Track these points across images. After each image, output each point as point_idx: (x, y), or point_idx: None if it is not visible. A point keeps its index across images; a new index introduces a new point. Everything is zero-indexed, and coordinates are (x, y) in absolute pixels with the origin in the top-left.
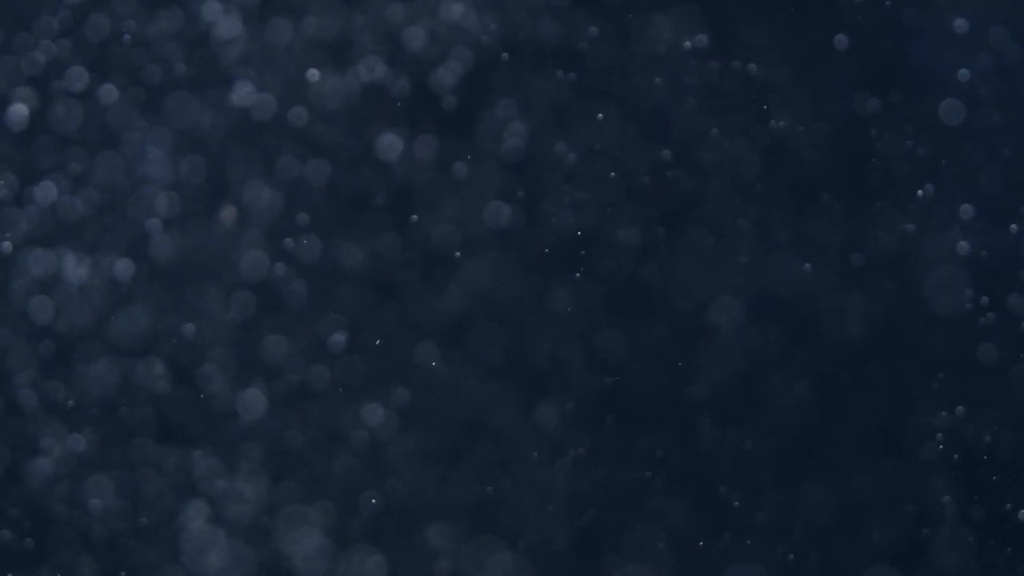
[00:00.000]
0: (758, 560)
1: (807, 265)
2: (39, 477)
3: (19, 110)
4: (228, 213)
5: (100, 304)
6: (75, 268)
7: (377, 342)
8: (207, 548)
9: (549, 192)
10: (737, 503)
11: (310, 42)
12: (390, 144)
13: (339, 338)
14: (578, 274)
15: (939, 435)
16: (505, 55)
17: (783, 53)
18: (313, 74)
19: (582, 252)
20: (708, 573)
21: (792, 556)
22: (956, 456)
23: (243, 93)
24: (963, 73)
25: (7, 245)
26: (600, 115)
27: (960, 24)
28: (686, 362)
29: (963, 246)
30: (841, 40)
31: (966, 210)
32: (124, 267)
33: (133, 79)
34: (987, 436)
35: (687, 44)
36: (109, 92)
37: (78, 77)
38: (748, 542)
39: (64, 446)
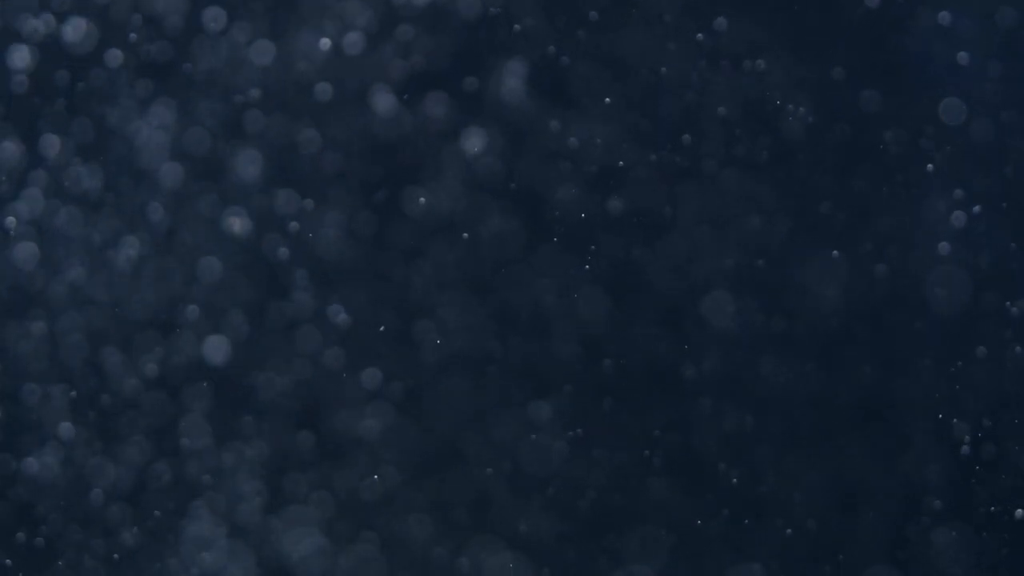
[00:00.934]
0: (757, 537)
1: (808, 255)
2: (35, 472)
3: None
4: (233, 222)
5: (97, 291)
6: (73, 252)
7: (381, 328)
8: (205, 545)
9: (552, 175)
10: (735, 480)
11: (316, 14)
12: (395, 123)
13: (339, 326)
14: (587, 266)
15: (938, 422)
16: (517, 26)
17: (790, 41)
18: (325, 43)
19: (584, 236)
20: (707, 551)
21: (790, 531)
22: (953, 442)
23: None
24: (969, 66)
25: (10, 220)
26: (607, 99)
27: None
28: (686, 344)
29: (963, 242)
30: (852, 29)
31: (969, 205)
32: (124, 249)
33: (138, 54)
34: (987, 423)
35: (698, 34)
36: (113, 57)
37: (76, 31)
38: (746, 521)
39: (59, 439)
